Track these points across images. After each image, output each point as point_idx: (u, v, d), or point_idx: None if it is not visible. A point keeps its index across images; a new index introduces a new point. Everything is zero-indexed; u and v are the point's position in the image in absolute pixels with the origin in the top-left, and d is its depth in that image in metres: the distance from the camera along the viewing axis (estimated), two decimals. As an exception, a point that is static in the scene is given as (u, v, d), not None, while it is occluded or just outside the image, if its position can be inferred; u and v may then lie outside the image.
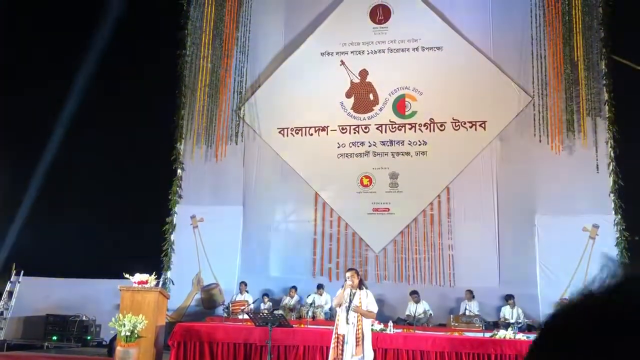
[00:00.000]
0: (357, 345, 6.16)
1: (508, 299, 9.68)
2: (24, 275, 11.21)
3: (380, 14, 11.44)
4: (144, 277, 8.00)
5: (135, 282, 8.04)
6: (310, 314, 9.54)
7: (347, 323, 6.23)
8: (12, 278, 11.25)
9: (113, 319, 7.57)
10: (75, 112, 11.45)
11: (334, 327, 6.42)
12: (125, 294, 8.03)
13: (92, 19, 11.57)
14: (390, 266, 10.68)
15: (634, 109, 9.82)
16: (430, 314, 9.82)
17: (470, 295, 9.80)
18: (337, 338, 6.29)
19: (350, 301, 6.24)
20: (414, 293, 9.92)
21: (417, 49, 11.16)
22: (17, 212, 11.35)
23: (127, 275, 8.15)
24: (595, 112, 10.19)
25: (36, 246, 10.97)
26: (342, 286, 6.41)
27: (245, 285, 10.58)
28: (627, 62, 9.95)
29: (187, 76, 11.90)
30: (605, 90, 10.23)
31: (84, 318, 10.63)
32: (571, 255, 9.79)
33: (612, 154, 10.01)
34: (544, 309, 9.87)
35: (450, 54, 11.01)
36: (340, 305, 6.34)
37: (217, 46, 11.87)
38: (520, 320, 9.32)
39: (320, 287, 10.32)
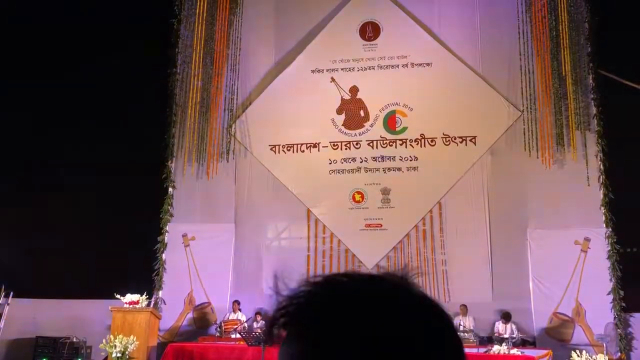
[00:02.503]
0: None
1: (506, 317, 9.59)
2: (13, 297, 11.05)
3: (369, 31, 11.54)
4: (134, 297, 7.95)
5: (126, 303, 7.97)
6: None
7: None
8: (1, 300, 11.07)
9: (104, 341, 7.48)
10: (64, 131, 11.40)
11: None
12: (116, 314, 7.96)
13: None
14: (383, 282, 10.61)
15: (623, 122, 9.92)
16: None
17: (465, 310, 9.77)
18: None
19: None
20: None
21: (406, 65, 11.25)
22: (5, 233, 11.22)
23: (118, 296, 8.08)
24: (584, 126, 10.29)
25: (25, 267, 10.83)
26: None
27: (239, 303, 10.50)
28: (614, 76, 10.06)
29: (178, 94, 11.91)
30: (593, 104, 10.34)
31: (74, 340, 10.46)
32: (564, 269, 9.83)
33: (602, 167, 10.08)
34: (538, 323, 9.87)
35: (440, 70, 11.10)
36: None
37: (207, 64, 11.91)
38: (514, 335, 9.28)
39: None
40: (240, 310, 10.44)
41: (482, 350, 7.75)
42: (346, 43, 11.52)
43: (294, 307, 0.72)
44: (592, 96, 10.36)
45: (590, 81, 10.43)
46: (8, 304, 11.01)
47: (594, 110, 10.30)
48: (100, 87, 11.56)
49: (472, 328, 9.39)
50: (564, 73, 10.48)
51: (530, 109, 10.61)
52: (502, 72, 10.86)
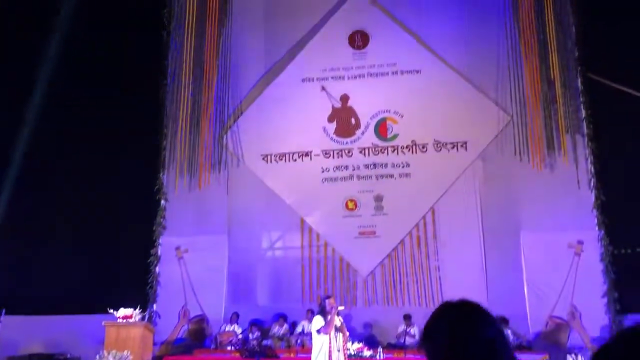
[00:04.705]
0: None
1: (502, 323, 9.61)
2: (5, 314, 10.95)
3: (358, 40, 11.58)
4: (128, 311, 7.89)
5: (119, 317, 7.91)
6: (299, 342, 9.44)
7: (338, 350, 6.24)
8: (-7, 318, 10.97)
9: (98, 356, 7.42)
10: (53, 144, 11.35)
11: (324, 354, 6.36)
12: (109, 329, 7.91)
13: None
14: (378, 290, 10.62)
15: (612, 125, 9.98)
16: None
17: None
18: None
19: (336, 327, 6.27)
20: (407, 318, 9.87)
21: (396, 72, 11.29)
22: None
23: (111, 311, 8.02)
24: (574, 129, 10.33)
25: (18, 284, 10.75)
26: (324, 312, 6.42)
27: (237, 316, 10.44)
28: (602, 80, 10.13)
29: (169, 106, 11.89)
30: (582, 107, 10.38)
31: (68, 356, 10.38)
32: (558, 272, 9.84)
33: (592, 169, 10.12)
34: (534, 327, 9.86)
35: (429, 77, 11.14)
36: (328, 333, 6.32)
37: (197, 75, 11.89)
38: (510, 340, 9.27)
39: (310, 311, 10.18)
40: (237, 322, 10.38)
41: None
42: (336, 52, 11.55)
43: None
44: (582, 99, 10.40)
45: (579, 85, 10.48)
46: (1, 322, 10.92)
47: (583, 113, 10.35)
48: (90, 101, 11.54)
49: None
50: (552, 77, 10.54)
51: (520, 113, 10.65)
52: (491, 78, 10.91)
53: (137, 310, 8.10)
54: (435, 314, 1.46)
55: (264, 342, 9.68)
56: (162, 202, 11.49)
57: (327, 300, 6.52)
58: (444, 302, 1.49)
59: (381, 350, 8.05)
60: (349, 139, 11.33)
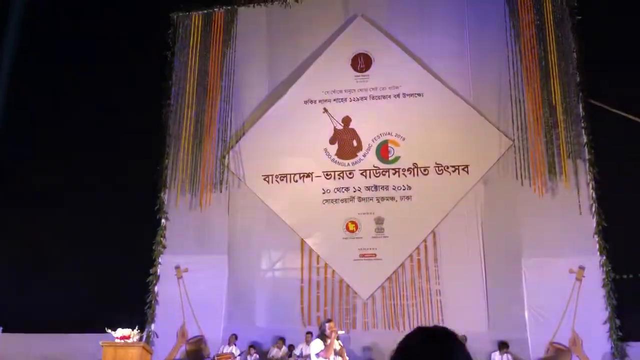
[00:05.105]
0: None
1: (503, 347, 9.51)
2: (3, 331, 10.90)
3: (361, 63, 11.67)
4: (126, 332, 7.83)
5: (117, 337, 7.86)
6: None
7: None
8: (-9, 335, 10.92)
9: (94, 377, 7.35)
10: (56, 163, 11.40)
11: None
12: (107, 349, 7.84)
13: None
14: (378, 313, 10.54)
15: (614, 150, 10.00)
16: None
17: (464, 340, 9.67)
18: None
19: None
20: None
21: (398, 95, 11.35)
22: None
23: (109, 330, 7.97)
24: (575, 155, 10.34)
25: (16, 301, 10.70)
26: (323, 336, 6.39)
27: (236, 337, 10.36)
28: (603, 105, 10.17)
29: (172, 125, 11.96)
30: (584, 132, 10.41)
31: (65, 375, 10.30)
32: (559, 298, 9.76)
33: (594, 195, 10.11)
34: (535, 353, 9.76)
35: (431, 100, 11.20)
36: (328, 357, 6.28)
37: (201, 95, 11.99)
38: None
39: (309, 334, 10.10)
40: (235, 344, 10.30)
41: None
42: (338, 74, 11.63)
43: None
44: (583, 125, 10.43)
45: (581, 110, 10.52)
46: (-2, 339, 10.86)
47: (584, 138, 10.37)
48: (94, 118, 11.62)
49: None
50: (554, 102, 10.59)
51: (522, 138, 10.67)
52: (493, 102, 10.96)
53: (136, 331, 8.04)
54: (407, 339, 1.52)
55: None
56: (163, 221, 11.49)
57: (327, 324, 6.47)
58: (417, 327, 1.56)
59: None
60: (350, 161, 11.34)
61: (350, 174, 11.28)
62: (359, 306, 10.63)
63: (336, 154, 11.42)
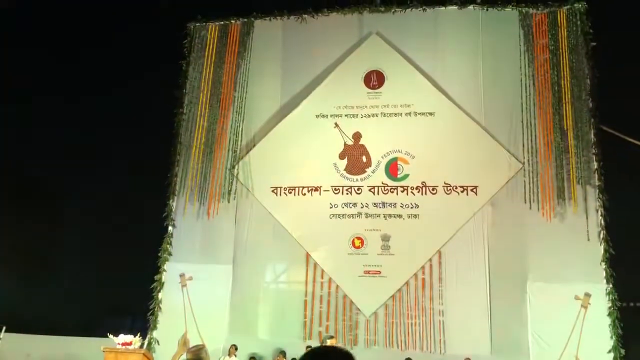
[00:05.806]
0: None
1: None
2: (5, 332, 10.93)
3: (374, 80, 11.72)
4: (128, 338, 7.84)
5: (119, 343, 7.87)
6: (297, 379, 9.31)
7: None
8: (-6, 335, 10.95)
9: (94, 382, 7.36)
10: (63, 168, 11.50)
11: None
12: (108, 355, 7.85)
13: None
14: (380, 331, 10.49)
15: (624, 177, 9.95)
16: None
17: (234, 349, 9.76)
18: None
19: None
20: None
21: (409, 114, 11.38)
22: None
23: (110, 336, 7.98)
24: (585, 180, 10.31)
25: (19, 302, 10.75)
26: None
27: (236, 348, 10.34)
28: (615, 132, 10.14)
29: (183, 134, 12.06)
30: (594, 159, 10.37)
31: (65, 378, 10.31)
32: (563, 324, 9.65)
33: (602, 222, 10.04)
34: (537, 379, 9.66)
35: (442, 120, 11.22)
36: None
37: (214, 105, 12.09)
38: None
39: (309, 348, 10.06)
40: (236, 355, 10.27)
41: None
42: (351, 90, 11.69)
43: None
44: (594, 151, 10.41)
45: (592, 136, 10.50)
46: (0, 339, 10.89)
47: (595, 165, 10.34)
48: (104, 124, 11.73)
49: None
50: (565, 127, 10.58)
51: (532, 161, 10.66)
52: (504, 124, 10.96)
53: (137, 337, 8.05)
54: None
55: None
56: (170, 228, 11.54)
57: (328, 341, 6.45)
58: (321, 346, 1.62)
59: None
60: (359, 177, 11.36)
61: (358, 189, 11.29)
62: (361, 323, 10.59)
63: (345, 169, 11.44)
